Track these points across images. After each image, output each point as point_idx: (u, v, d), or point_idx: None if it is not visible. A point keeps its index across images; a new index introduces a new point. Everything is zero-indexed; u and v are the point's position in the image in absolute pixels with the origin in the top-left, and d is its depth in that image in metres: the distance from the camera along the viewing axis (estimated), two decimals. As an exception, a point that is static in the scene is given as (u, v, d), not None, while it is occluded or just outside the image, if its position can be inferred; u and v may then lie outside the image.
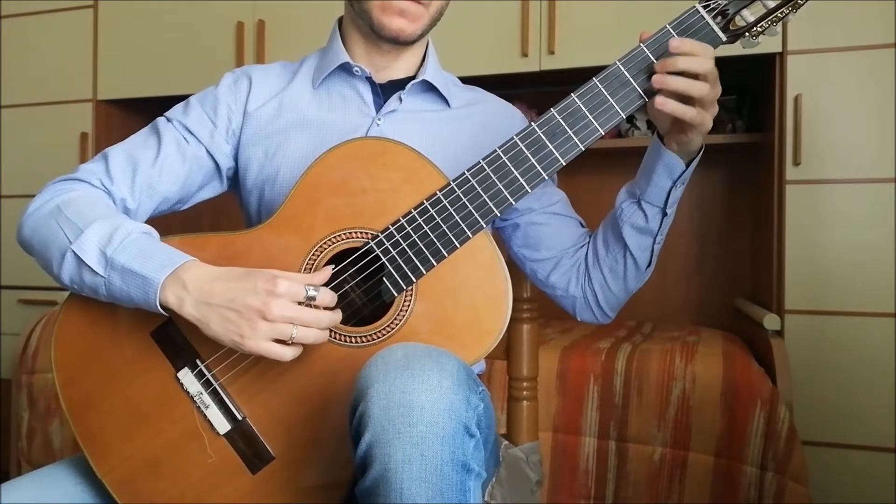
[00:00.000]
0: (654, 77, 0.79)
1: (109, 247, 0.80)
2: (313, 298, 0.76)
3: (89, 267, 0.80)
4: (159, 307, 0.78)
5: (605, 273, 0.97)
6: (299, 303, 0.75)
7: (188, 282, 0.77)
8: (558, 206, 1.03)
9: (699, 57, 0.78)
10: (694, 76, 0.78)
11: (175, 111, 1.00)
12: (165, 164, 0.95)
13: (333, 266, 0.82)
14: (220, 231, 0.86)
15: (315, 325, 0.76)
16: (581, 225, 1.04)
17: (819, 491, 1.68)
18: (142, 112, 2.53)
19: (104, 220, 0.82)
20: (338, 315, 0.79)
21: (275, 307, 0.73)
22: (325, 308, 0.78)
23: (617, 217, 0.94)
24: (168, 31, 2.36)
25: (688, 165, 0.89)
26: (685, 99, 0.79)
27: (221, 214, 2.69)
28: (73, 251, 0.81)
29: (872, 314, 1.71)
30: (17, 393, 1.95)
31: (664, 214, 0.91)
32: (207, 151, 0.98)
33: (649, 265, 0.96)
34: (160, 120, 1.00)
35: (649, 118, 2.14)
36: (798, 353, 1.73)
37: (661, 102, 0.79)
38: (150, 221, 1.00)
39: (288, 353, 0.76)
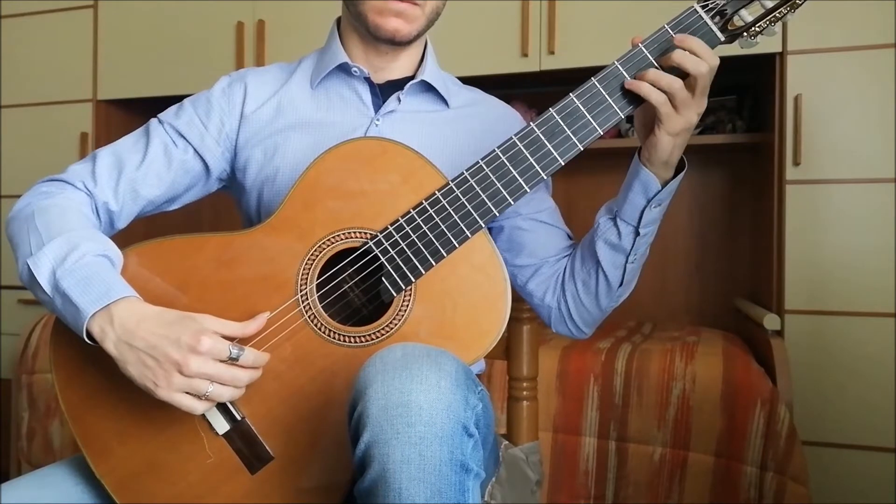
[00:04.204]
0: (629, 77, 0.80)
1: (60, 268, 0.79)
2: (236, 359, 0.75)
3: (40, 286, 0.79)
4: (86, 338, 0.77)
5: (578, 286, 0.96)
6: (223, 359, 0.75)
7: (115, 317, 0.76)
8: (545, 215, 1.02)
9: (693, 59, 0.78)
10: (684, 75, 0.79)
11: (168, 113, 1.00)
12: (151, 167, 0.95)
13: (269, 313, 0.81)
14: (219, 231, 0.86)
15: (232, 384, 0.76)
16: (568, 237, 1.03)
17: (819, 491, 1.68)
18: (142, 112, 2.52)
19: (66, 235, 0.81)
20: (257, 372, 0.78)
21: (193, 363, 0.73)
22: (250, 367, 0.77)
23: (593, 231, 0.93)
24: (168, 31, 2.36)
25: (665, 185, 0.87)
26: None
27: (221, 214, 2.69)
28: (29, 265, 0.80)
29: (872, 314, 1.70)
30: (17, 393, 1.96)
31: (637, 234, 0.90)
32: (197, 153, 0.98)
33: (622, 284, 0.94)
34: (153, 121, 1.00)
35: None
36: (798, 353, 1.73)
37: (630, 84, 0.80)
38: (147, 220, 1.00)
39: (199, 408, 0.76)
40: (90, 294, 0.77)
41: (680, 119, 0.80)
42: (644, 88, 0.79)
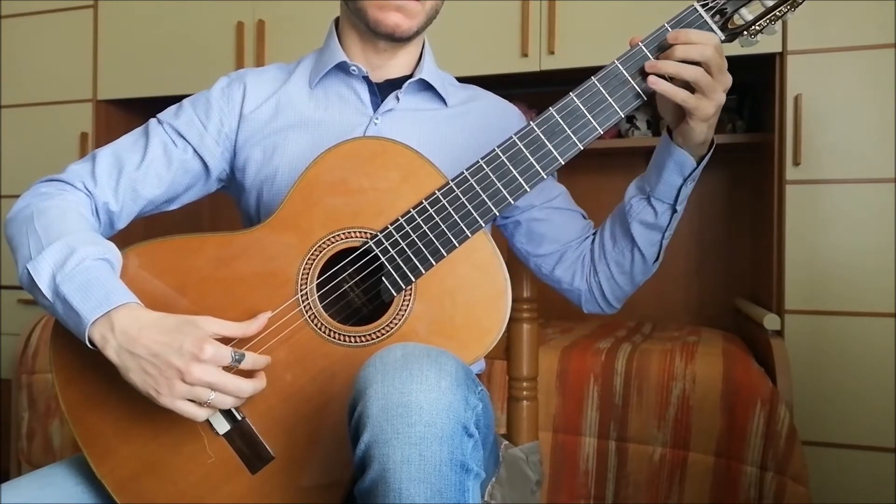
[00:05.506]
0: (647, 63, 0.80)
1: (60, 273, 0.78)
2: (238, 363, 0.75)
3: (41, 291, 0.79)
4: (89, 345, 0.77)
5: (611, 267, 0.97)
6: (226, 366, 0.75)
7: (116, 324, 0.76)
8: (559, 201, 1.03)
9: (697, 45, 0.78)
10: (695, 65, 0.79)
11: (167, 113, 1.00)
12: (151, 167, 0.95)
13: (270, 312, 0.81)
14: (218, 231, 0.86)
15: (235, 393, 0.76)
16: (583, 217, 1.04)
17: (819, 491, 1.68)
18: (142, 112, 2.52)
19: (65, 238, 0.81)
20: (261, 383, 0.78)
21: (195, 371, 0.73)
22: (250, 369, 0.77)
23: (626, 212, 0.94)
24: (168, 31, 2.36)
25: (699, 162, 0.88)
26: (682, 84, 0.80)
27: (221, 214, 2.69)
28: (28, 270, 0.80)
29: (872, 314, 1.70)
30: (17, 393, 1.95)
31: (674, 211, 0.91)
32: (196, 153, 0.98)
33: (657, 259, 0.96)
34: (152, 121, 1.00)
35: (649, 118, 2.16)
36: (798, 353, 1.73)
37: (653, 81, 0.79)
38: (146, 220, 1.00)
39: (202, 415, 0.76)
40: (90, 300, 0.77)
41: (710, 103, 0.80)
42: (663, 86, 0.79)
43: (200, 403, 0.75)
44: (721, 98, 0.81)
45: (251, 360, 0.77)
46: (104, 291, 0.78)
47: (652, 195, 0.91)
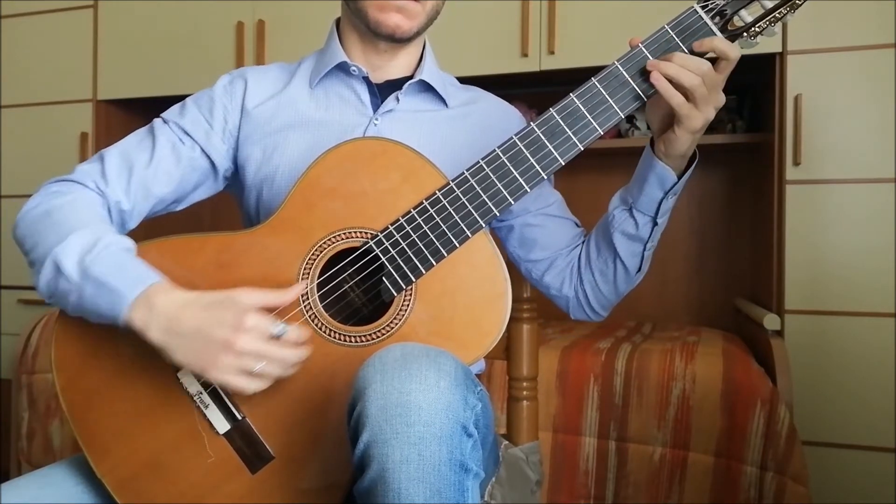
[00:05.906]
0: (649, 62, 0.80)
1: (89, 255, 0.79)
2: (281, 335, 0.76)
3: (65, 274, 0.79)
4: (121, 324, 0.77)
5: (595, 276, 0.98)
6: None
7: (156, 305, 0.76)
8: (554, 208, 1.03)
9: (688, 71, 0.78)
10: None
11: (171, 112, 1.00)
12: (160, 165, 0.95)
13: (308, 283, 0.81)
14: (219, 231, 0.86)
15: (281, 363, 0.76)
16: (576, 225, 1.05)
17: (819, 491, 1.68)
18: (142, 112, 2.53)
19: (88, 228, 0.82)
20: (306, 351, 0.79)
21: (241, 341, 0.73)
22: (295, 344, 0.78)
23: (609, 223, 0.95)
24: (168, 31, 2.36)
25: (681, 176, 0.89)
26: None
27: (221, 214, 2.69)
28: (53, 258, 0.80)
29: (872, 314, 1.70)
30: (17, 393, 1.95)
31: (655, 224, 0.92)
32: (203, 151, 0.98)
33: (639, 270, 0.96)
34: (156, 121, 1.00)
35: (649, 118, 2.15)
36: (798, 353, 1.73)
37: (655, 77, 0.79)
38: (149, 220, 1.00)
39: (252, 387, 0.76)
40: (127, 278, 0.77)
41: (700, 116, 0.81)
42: (662, 84, 0.79)
43: (249, 375, 0.75)
44: (711, 114, 0.82)
45: (295, 333, 0.77)
46: (137, 272, 0.79)
47: (634, 207, 0.92)
